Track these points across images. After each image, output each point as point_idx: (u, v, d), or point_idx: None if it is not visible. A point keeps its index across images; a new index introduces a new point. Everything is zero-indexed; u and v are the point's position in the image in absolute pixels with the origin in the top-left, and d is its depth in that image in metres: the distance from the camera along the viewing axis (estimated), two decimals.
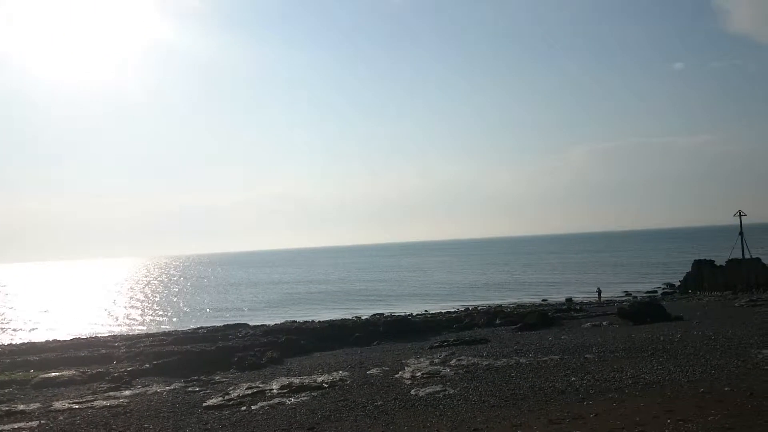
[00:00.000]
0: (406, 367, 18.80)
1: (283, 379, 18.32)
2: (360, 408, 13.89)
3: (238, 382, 18.80)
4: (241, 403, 15.45)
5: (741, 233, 52.30)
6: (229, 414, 14.48)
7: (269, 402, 15.38)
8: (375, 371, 18.76)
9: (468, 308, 48.92)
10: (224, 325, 37.75)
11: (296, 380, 17.82)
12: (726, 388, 12.19)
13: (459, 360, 19.43)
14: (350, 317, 44.85)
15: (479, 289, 78.16)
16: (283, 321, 41.90)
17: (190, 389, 18.17)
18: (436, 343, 25.26)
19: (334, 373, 18.74)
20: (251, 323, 40.07)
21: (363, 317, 43.57)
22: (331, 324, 33.86)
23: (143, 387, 19.13)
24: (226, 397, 16.20)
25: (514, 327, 29.88)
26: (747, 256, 51.95)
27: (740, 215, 53.51)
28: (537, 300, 57.50)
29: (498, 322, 33.03)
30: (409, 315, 42.56)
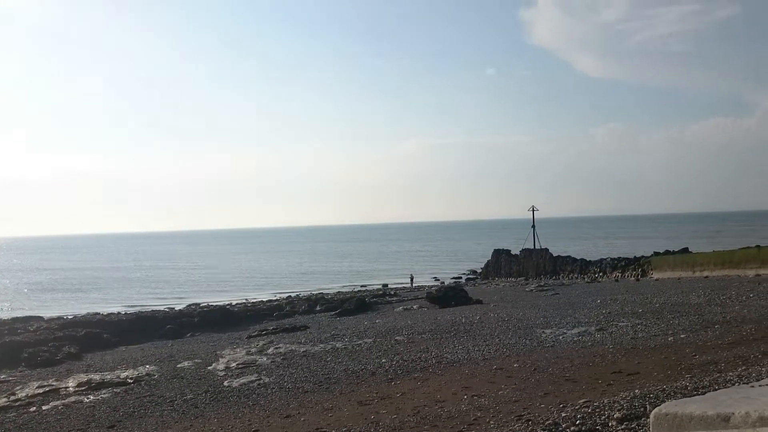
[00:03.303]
0: (220, 359, 18.32)
1: (82, 375, 16.84)
2: (167, 403, 13.25)
3: (27, 380, 16.93)
4: (30, 404, 13.95)
5: (533, 226, 58.71)
6: (14, 416, 12.99)
7: (64, 401, 14.07)
8: (186, 364, 18.00)
9: (290, 296, 48.90)
10: (12, 318, 33.49)
11: (96, 376, 16.49)
12: (515, 365, 13.53)
13: (277, 348, 19.39)
14: (162, 308, 42.42)
15: (302, 276, 78.56)
16: (84, 313, 38.38)
17: None
18: (254, 332, 24.93)
19: (141, 368, 17.66)
20: (45, 316, 36.13)
21: (176, 308, 41.46)
22: (139, 315, 31.73)
23: None
24: (12, 398, 14.50)
25: (333, 313, 30.52)
26: (538, 246, 58.49)
27: (533, 210, 60.03)
28: (357, 286, 59.30)
29: (318, 308, 33.48)
30: (227, 304, 41.36)
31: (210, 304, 43.21)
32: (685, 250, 49.83)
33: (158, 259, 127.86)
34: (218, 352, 19.60)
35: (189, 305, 43.73)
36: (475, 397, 10.65)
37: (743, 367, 9.62)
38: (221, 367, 17.06)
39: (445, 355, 15.68)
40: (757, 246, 38.89)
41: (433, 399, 10.96)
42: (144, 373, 16.77)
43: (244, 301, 46.84)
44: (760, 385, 5.16)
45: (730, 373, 9.24)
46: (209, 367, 17.19)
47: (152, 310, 38.42)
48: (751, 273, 31.19)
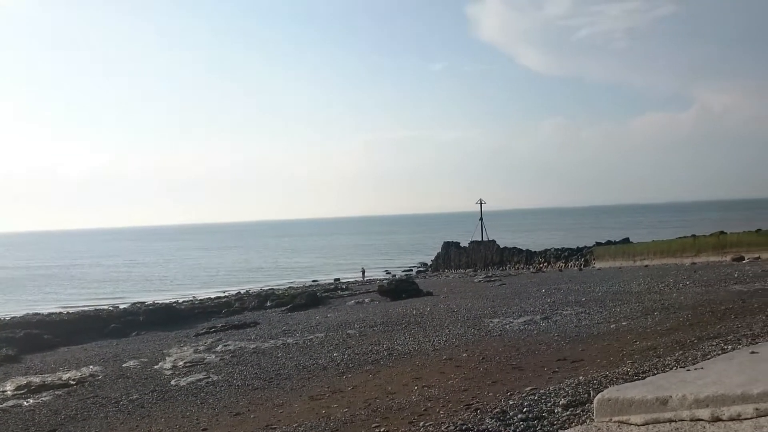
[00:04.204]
0: (167, 357, 17.95)
1: (20, 378, 16.18)
2: (112, 404, 12.89)
3: None
4: None
5: (481, 219, 59.72)
6: None
7: (1, 406, 13.49)
8: (132, 364, 17.56)
9: (239, 292, 48.23)
10: None
11: (36, 379, 15.88)
12: (464, 355, 13.72)
13: (226, 345, 19.12)
14: (105, 306, 41.14)
15: (252, 272, 77.53)
16: (23, 313, 36.82)
17: None
18: (202, 330, 24.52)
19: (84, 369, 17.11)
20: None
21: (121, 306, 40.30)
22: (81, 315, 30.74)
23: None
24: None
25: (284, 308, 30.32)
26: (485, 238, 59.53)
27: (481, 203, 61.07)
28: (308, 281, 58.94)
29: (269, 304, 33.19)
30: (174, 302, 40.56)
31: (156, 302, 42.23)
32: (626, 240, 51.61)
33: (99, 257, 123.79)
34: (165, 351, 19.19)
35: (134, 303, 42.61)
36: (426, 388, 10.76)
37: (680, 352, 10.03)
38: (168, 366, 16.71)
39: (396, 347, 15.78)
40: (693, 235, 40.65)
41: (384, 391, 11.01)
42: (87, 374, 16.26)
43: (191, 298, 45.96)
44: (695, 369, 5.40)
45: (669, 358, 9.61)
46: (156, 367, 16.81)
47: (95, 309, 37.22)
48: (687, 261, 32.60)
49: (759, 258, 28.55)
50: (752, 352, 5.98)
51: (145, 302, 43.11)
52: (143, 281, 71.16)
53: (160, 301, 42.09)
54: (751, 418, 3.76)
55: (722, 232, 38.68)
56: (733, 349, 8.64)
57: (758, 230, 37.14)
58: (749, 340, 9.37)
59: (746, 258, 29.27)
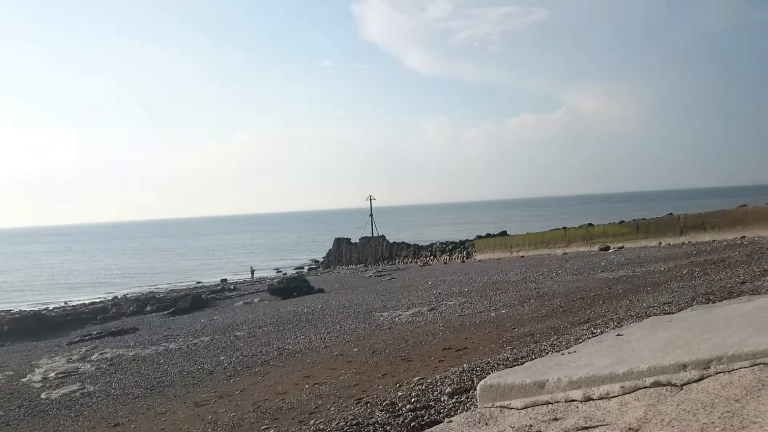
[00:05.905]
0: (36, 369, 16.63)
1: None
2: None
3: None
4: None
5: (371, 215, 60.49)
6: None
7: None
8: None
9: (116, 297, 45.51)
10: None
11: None
12: (355, 349, 13.79)
13: (102, 353, 18.01)
14: None
15: (129, 275, 73.35)
16: None
17: None
18: (76, 338, 22.92)
19: None
20: None
21: None
22: None
23: None
24: None
25: (166, 312, 29.00)
26: (375, 234, 60.35)
27: (371, 200, 61.87)
28: (192, 283, 56.72)
29: (149, 308, 31.60)
30: (43, 309, 37.56)
31: (22, 309, 38.92)
32: (504, 233, 54.19)
33: None
34: (34, 362, 17.75)
35: None
36: (316, 386, 10.71)
37: (555, 337, 10.68)
38: (38, 378, 15.47)
39: (287, 346, 15.58)
40: (564, 227, 43.50)
41: (274, 392, 10.83)
42: None
43: (62, 304, 42.81)
44: (569, 353, 5.78)
45: (545, 343, 10.20)
46: (23, 380, 15.50)
47: None
48: (559, 252, 34.84)
49: (623, 247, 31.09)
50: (618, 335, 6.49)
51: (10, 310, 39.59)
52: (2, 289, 65.08)
53: (27, 309, 38.87)
54: (618, 396, 4.08)
55: (590, 224, 41.68)
56: (602, 332, 9.33)
57: (621, 222, 40.46)
58: (615, 324, 10.15)
59: (611, 248, 31.76)
